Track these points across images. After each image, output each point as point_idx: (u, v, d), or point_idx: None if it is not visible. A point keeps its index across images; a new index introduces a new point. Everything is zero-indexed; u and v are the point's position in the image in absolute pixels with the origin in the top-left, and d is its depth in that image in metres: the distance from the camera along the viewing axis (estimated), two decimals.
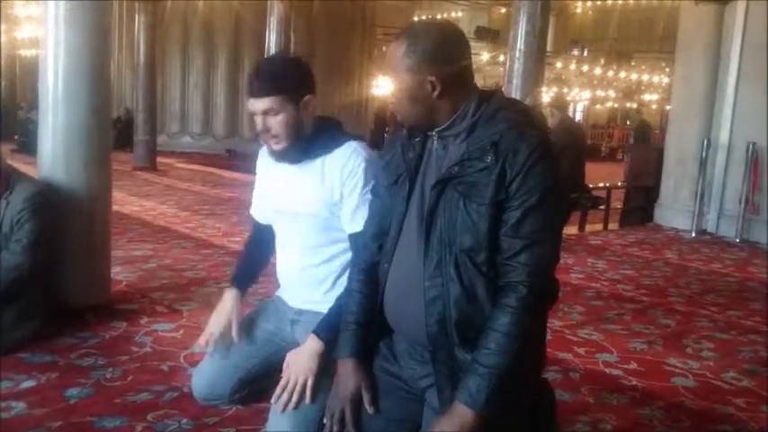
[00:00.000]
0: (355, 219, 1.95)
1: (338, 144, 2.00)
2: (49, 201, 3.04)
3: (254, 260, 2.32)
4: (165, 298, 3.74)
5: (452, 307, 1.59)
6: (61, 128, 3.31)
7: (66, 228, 3.23)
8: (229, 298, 2.19)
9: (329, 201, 1.97)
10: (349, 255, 2.01)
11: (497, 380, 1.52)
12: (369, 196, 1.91)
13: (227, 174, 11.50)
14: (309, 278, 2.07)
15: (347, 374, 1.77)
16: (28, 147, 10.60)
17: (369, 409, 1.76)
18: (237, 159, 13.75)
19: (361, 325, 1.80)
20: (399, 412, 1.78)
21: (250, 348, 2.19)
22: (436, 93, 1.58)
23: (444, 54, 1.59)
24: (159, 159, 11.76)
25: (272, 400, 1.94)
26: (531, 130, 1.55)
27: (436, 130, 1.65)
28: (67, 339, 2.99)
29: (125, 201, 7.46)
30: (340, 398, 1.77)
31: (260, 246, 2.29)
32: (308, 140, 2.01)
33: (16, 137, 13.19)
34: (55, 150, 3.32)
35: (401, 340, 1.78)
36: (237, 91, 15.24)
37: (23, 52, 19.60)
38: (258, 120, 1.98)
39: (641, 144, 11.97)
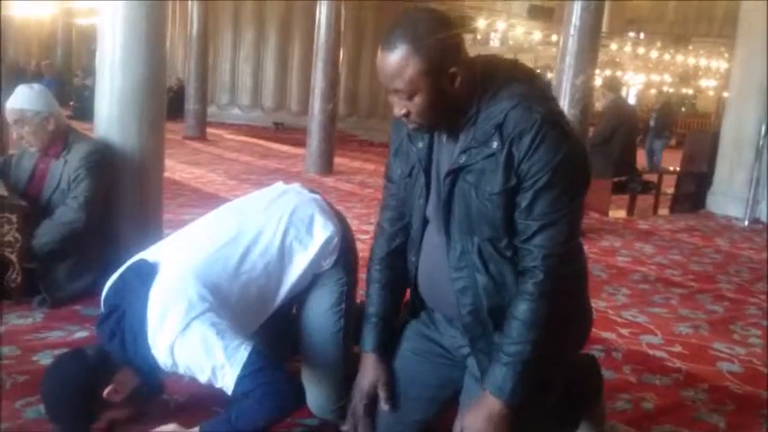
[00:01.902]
0: None
1: None
2: (104, 160, 3.13)
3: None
4: None
5: (483, 296, 1.58)
6: (117, 91, 3.37)
7: (121, 187, 3.31)
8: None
9: None
10: None
11: (522, 368, 1.51)
12: None
13: (274, 146, 11.60)
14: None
15: (367, 368, 1.80)
16: (82, 113, 10.85)
17: (384, 406, 1.77)
18: (285, 132, 13.87)
19: (382, 318, 1.80)
20: (438, 377, 1.80)
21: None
22: (458, 81, 1.49)
23: (451, 39, 1.49)
24: (209, 130, 11.93)
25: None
26: (536, 104, 1.48)
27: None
28: None
29: (175, 168, 7.59)
30: (358, 391, 1.79)
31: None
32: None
33: (71, 103, 13.49)
34: (110, 112, 3.39)
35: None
36: (287, 65, 15.30)
37: (79, 21, 20.02)
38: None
39: (665, 127, 11.42)
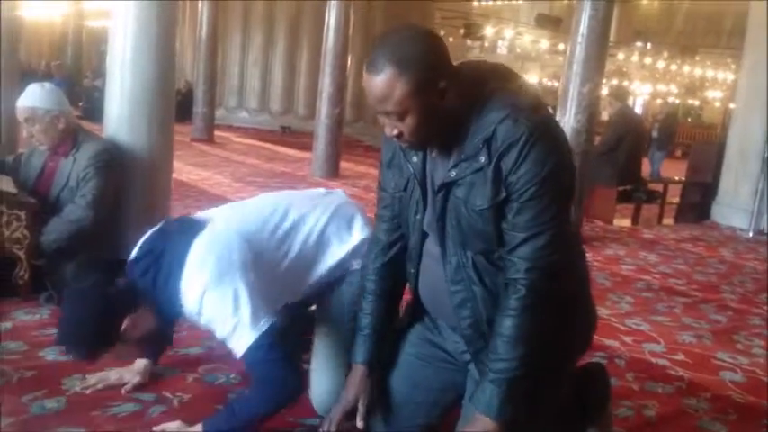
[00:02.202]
0: None
1: None
2: (113, 159, 3.15)
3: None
4: None
5: (481, 308, 1.58)
6: (127, 91, 3.39)
7: (129, 186, 3.33)
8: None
9: None
10: None
11: (508, 384, 1.50)
12: None
13: (281, 149, 11.64)
14: None
15: (354, 380, 1.78)
16: (91, 114, 10.91)
17: (358, 423, 1.75)
18: (292, 136, 13.91)
19: (375, 330, 1.79)
20: (441, 381, 1.80)
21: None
22: (448, 96, 1.47)
23: (436, 55, 1.47)
24: (217, 132, 11.98)
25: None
26: (523, 116, 1.46)
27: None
28: None
29: (183, 169, 7.63)
30: (340, 400, 1.78)
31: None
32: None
33: (80, 104, 13.56)
34: (120, 112, 3.42)
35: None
36: (295, 69, 15.35)
37: (90, 23, 20.12)
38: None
39: (668, 138, 11.44)
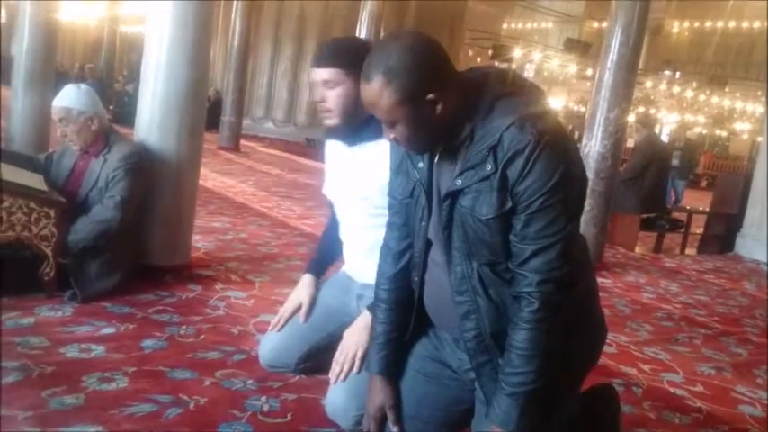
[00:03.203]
0: None
1: None
2: (143, 162, 3.19)
3: (330, 247, 2.42)
4: (240, 268, 3.87)
5: (485, 321, 1.56)
6: (160, 96, 3.46)
7: (156, 190, 3.38)
8: (304, 284, 2.35)
9: (382, 186, 1.87)
10: None
11: (525, 397, 1.49)
12: None
13: (305, 161, 11.70)
14: (375, 255, 2.11)
15: (375, 390, 1.79)
16: (122, 117, 11.08)
17: (393, 428, 1.77)
18: (316, 148, 13.98)
19: (389, 340, 1.79)
20: (447, 398, 1.79)
21: (317, 321, 2.28)
22: (440, 107, 1.46)
23: (427, 66, 1.44)
24: (243, 142, 12.10)
25: (329, 375, 2.02)
26: (530, 123, 1.42)
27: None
28: (147, 295, 3.13)
29: (208, 176, 7.70)
30: (368, 412, 1.80)
31: (336, 232, 2.36)
32: (362, 123, 2.03)
33: (111, 107, 13.76)
34: (152, 117, 3.47)
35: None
36: None
37: (124, 28, 20.46)
38: (317, 90, 2.04)
39: (687, 169, 11.32)
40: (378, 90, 1.43)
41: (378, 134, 1.91)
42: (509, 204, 1.44)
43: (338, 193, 2.26)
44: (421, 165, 1.61)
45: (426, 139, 1.52)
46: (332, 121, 2.06)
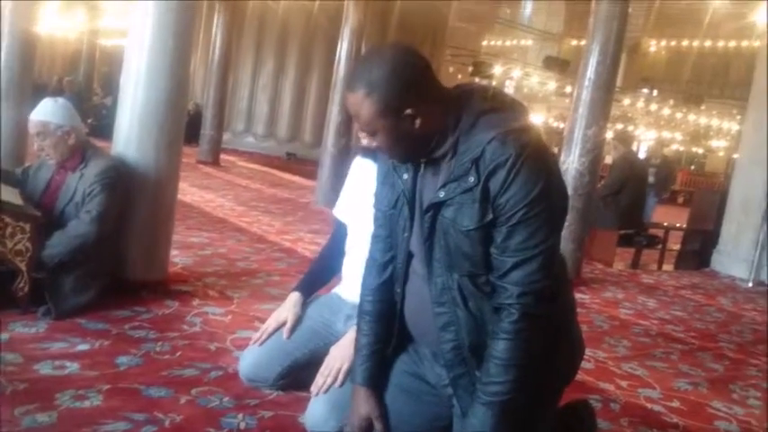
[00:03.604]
0: None
1: None
2: (120, 177, 3.17)
3: (325, 269, 2.47)
4: (218, 284, 3.84)
5: (464, 333, 1.57)
6: (139, 109, 3.43)
7: (134, 204, 3.35)
8: (291, 302, 2.36)
9: None
10: None
11: (501, 407, 1.50)
12: None
13: (285, 176, 11.68)
14: None
15: (359, 401, 1.79)
16: (100, 131, 10.99)
17: None
18: (297, 163, 13.97)
19: (373, 351, 1.80)
20: (425, 414, 1.80)
21: (300, 338, 2.28)
22: (418, 122, 1.49)
23: (407, 81, 1.48)
24: (223, 156, 12.05)
25: (311, 388, 2.01)
26: (512, 137, 1.46)
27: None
28: (122, 311, 3.10)
29: (187, 191, 7.65)
30: (352, 423, 1.80)
31: (335, 255, 2.38)
32: None
33: (89, 121, 13.65)
34: (130, 130, 3.45)
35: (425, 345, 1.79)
36: (304, 97, 15.49)
37: (104, 41, 20.34)
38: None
39: (664, 186, 11.40)
40: (359, 100, 1.48)
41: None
42: (490, 216, 1.47)
43: (359, 213, 2.22)
44: (405, 176, 1.63)
45: (406, 151, 1.56)
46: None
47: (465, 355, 1.59)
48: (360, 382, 1.80)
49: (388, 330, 1.81)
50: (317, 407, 1.99)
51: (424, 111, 1.49)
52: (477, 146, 1.47)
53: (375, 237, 1.81)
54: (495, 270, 1.50)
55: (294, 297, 2.39)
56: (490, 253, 1.50)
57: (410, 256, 1.68)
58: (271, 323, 2.35)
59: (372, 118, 1.48)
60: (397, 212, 1.67)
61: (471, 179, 1.47)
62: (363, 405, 1.79)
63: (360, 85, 1.47)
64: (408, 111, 1.47)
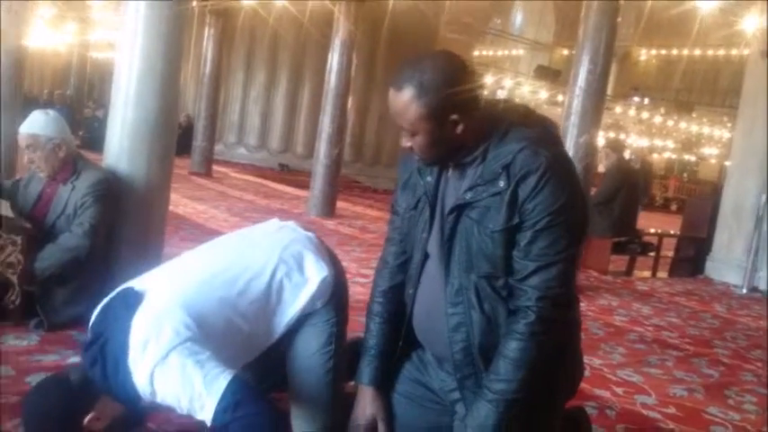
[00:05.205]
0: None
1: None
2: (111, 189, 3.16)
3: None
4: None
5: (476, 334, 1.60)
6: (130, 122, 3.42)
7: (125, 216, 3.33)
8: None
9: None
10: None
11: (505, 406, 1.52)
12: None
13: (278, 187, 11.67)
14: None
15: (365, 402, 1.80)
16: (91, 143, 10.96)
17: None
18: (290, 174, 13.96)
19: (381, 352, 1.81)
20: (427, 422, 1.80)
21: None
22: (460, 128, 1.55)
23: (457, 89, 1.52)
24: (215, 167, 12.03)
25: None
26: (543, 148, 1.53)
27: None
28: None
29: (179, 202, 7.63)
30: (356, 422, 1.79)
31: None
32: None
33: (81, 133, 13.62)
34: (121, 143, 3.44)
35: (431, 351, 1.80)
36: (295, 108, 15.48)
37: (95, 54, 20.34)
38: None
39: (644, 193, 11.44)
40: (407, 101, 1.52)
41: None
42: (516, 220, 1.52)
43: None
44: (429, 179, 1.68)
45: (440, 154, 1.61)
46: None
47: (474, 356, 1.61)
48: (366, 382, 1.81)
49: (396, 332, 1.83)
50: None
51: (467, 119, 1.54)
52: (507, 153, 1.53)
53: (389, 240, 1.85)
54: (516, 273, 1.54)
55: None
56: (511, 256, 1.55)
57: (426, 257, 1.71)
58: None
59: (417, 119, 1.53)
60: (418, 214, 1.71)
61: (501, 183, 1.52)
62: (370, 405, 1.79)
63: (410, 86, 1.51)
64: (453, 117, 1.53)
